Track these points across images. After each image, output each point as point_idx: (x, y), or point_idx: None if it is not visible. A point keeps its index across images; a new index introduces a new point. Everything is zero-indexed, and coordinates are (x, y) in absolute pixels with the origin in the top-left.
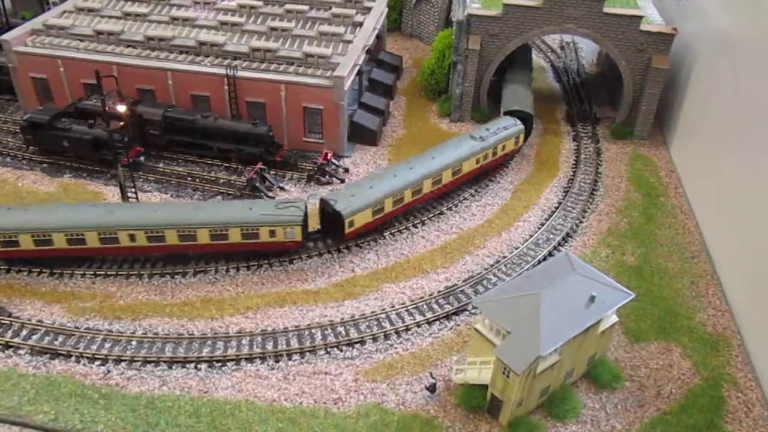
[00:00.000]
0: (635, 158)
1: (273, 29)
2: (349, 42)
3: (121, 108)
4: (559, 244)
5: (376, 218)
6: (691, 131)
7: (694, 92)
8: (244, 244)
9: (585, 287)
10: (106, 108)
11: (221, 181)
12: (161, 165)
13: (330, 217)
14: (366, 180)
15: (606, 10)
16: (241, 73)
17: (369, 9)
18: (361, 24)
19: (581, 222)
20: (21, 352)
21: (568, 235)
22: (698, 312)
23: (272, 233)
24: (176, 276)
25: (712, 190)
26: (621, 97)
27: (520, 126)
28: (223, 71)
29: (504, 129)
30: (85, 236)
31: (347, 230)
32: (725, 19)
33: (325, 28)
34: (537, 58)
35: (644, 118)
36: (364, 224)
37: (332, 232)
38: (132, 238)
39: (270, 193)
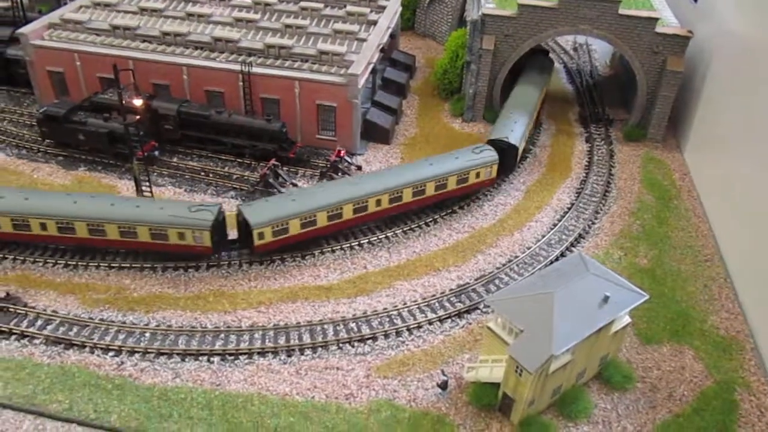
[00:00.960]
0: (648, 161)
1: (288, 26)
2: (364, 40)
3: (137, 102)
4: (572, 244)
5: (521, 149)
6: (706, 134)
7: (709, 95)
8: (437, 195)
9: (599, 287)
10: (123, 102)
11: (234, 176)
12: (175, 160)
13: (502, 153)
14: (506, 119)
15: (621, 11)
16: (255, 70)
17: (383, 8)
18: (375, 22)
19: (593, 223)
20: (36, 341)
21: (580, 236)
22: (711, 315)
23: (472, 177)
24: (189, 269)
25: (726, 193)
26: (635, 99)
27: (554, 64)
28: (237, 67)
29: (550, 66)
30: (317, 217)
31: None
32: (741, 23)
33: (339, 26)
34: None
35: (658, 120)
36: (520, 153)
37: (503, 166)
38: (366, 207)
39: (283, 190)
